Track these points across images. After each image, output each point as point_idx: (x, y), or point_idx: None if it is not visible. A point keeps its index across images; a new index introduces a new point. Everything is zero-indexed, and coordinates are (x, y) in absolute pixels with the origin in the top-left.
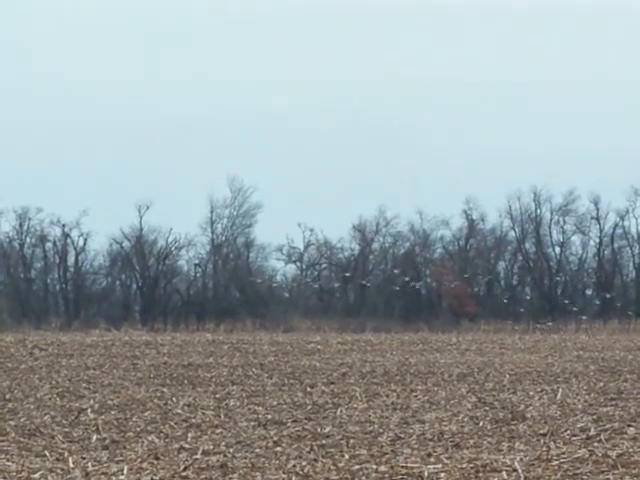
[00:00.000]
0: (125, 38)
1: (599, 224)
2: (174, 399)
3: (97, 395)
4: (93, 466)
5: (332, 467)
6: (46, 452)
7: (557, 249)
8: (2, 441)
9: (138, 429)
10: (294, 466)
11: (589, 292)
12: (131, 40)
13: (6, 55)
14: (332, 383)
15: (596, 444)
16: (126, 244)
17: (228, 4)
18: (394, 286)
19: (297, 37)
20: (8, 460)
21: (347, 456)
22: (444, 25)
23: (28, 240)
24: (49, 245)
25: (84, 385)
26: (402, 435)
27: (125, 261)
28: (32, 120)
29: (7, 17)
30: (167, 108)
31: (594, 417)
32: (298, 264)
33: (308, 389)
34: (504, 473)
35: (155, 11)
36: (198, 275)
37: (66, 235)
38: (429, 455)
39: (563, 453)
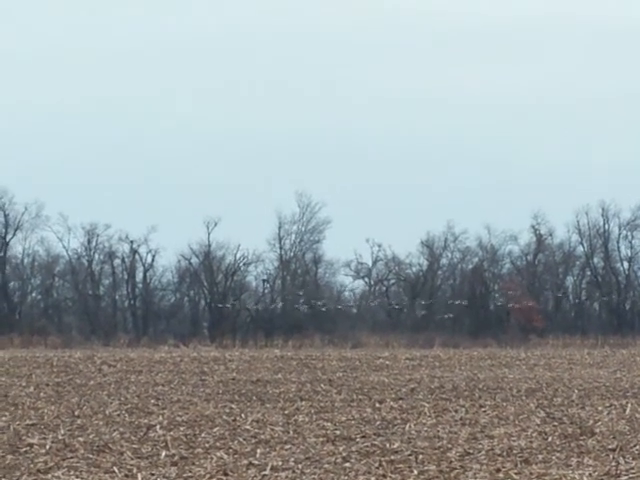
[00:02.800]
0: (191, 51)
1: None
2: (243, 415)
3: (166, 411)
4: None
5: None
6: (115, 468)
7: (625, 264)
8: (71, 457)
9: (207, 445)
10: None
11: None
12: (197, 55)
13: (74, 77)
14: (401, 399)
15: None
16: (194, 260)
17: (307, 20)
18: (462, 301)
19: (369, 53)
20: (77, 477)
21: (416, 472)
22: (509, 40)
23: (96, 256)
24: (117, 261)
25: (153, 401)
26: (471, 450)
27: (193, 277)
28: (99, 137)
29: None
30: (234, 124)
31: None
32: (366, 280)
33: (377, 405)
34: None
35: (221, 26)
36: (266, 291)
37: (134, 251)
38: (498, 470)
39: (632, 468)
